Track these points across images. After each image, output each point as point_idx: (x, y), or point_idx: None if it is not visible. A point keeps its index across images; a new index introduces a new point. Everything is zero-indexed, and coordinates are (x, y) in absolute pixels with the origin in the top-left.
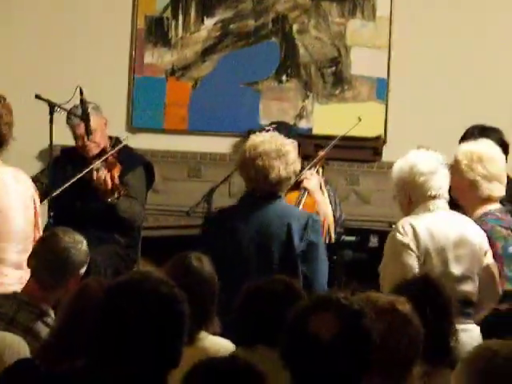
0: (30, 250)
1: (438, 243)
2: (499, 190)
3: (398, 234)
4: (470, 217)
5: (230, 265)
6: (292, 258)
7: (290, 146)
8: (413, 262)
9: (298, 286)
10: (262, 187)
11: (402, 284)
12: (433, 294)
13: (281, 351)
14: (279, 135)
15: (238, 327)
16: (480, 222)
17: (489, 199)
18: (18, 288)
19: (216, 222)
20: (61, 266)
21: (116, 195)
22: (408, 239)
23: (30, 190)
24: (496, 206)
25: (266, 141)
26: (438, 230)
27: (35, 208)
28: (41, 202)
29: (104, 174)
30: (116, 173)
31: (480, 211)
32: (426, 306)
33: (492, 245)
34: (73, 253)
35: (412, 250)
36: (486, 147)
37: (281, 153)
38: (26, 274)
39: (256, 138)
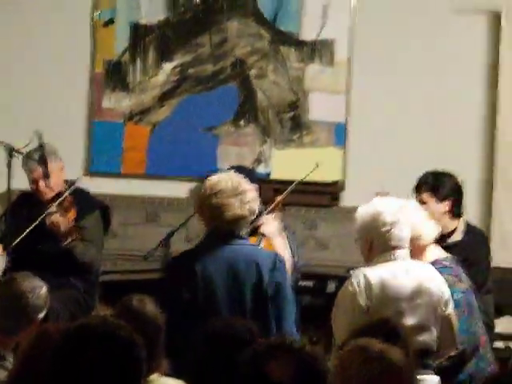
0: None
1: (391, 294)
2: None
3: (349, 285)
4: None
5: (202, 308)
6: (262, 299)
7: (248, 185)
8: (360, 316)
9: (257, 329)
10: (219, 226)
11: (362, 329)
12: (393, 340)
13: None
14: (238, 175)
15: (197, 370)
16: None
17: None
18: None
19: (181, 264)
20: (19, 310)
21: (70, 239)
22: (359, 291)
23: None
24: (441, 252)
25: (223, 179)
26: (393, 280)
27: None
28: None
29: (57, 217)
30: (71, 216)
31: (426, 259)
32: None
33: None
34: (31, 298)
35: (360, 304)
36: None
37: (237, 191)
38: None
39: (214, 178)
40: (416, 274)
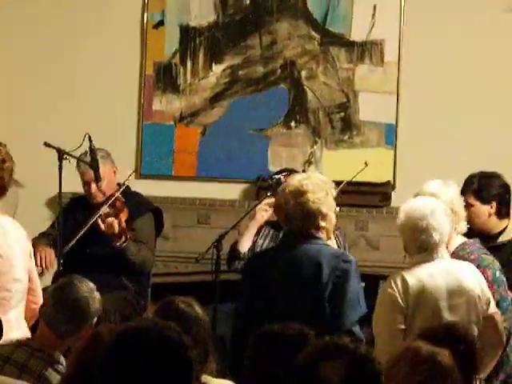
0: (24, 301)
1: (429, 295)
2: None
3: (388, 287)
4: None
5: (262, 305)
6: (321, 299)
7: (326, 184)
8: (399, 316)
9: (310, 332)
10: (300, 224)
11: (428, 331)
12: (459, 344)
13: None
14: (316, 174)
15: (251, 374)
16: (464, 252)
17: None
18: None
19: (251, 262)
20: (79, 315)
21: (123, 239)
22: (397, 293)
23: (28, 244)
24: (461, 237)
25: (303, 179)
26: (431, 281)
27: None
28: (55, 254)
29: (110, 218)
30: (123, 217)
31: (454, 242)
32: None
33: (482, 272)
34: (90, 302)
35: (399, 305)
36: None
37: (318, 189)
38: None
39: (294, 177)
40: (455, 273)
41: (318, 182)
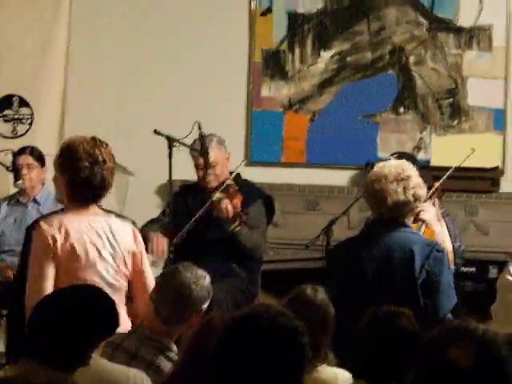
0: (123, 302)
1: None
2: None
3: (507, 274)
4: None
5: (353, 292)
6: (413, 287)
7: (413, 171)
8: None
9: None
10: (381, 212)
11: None
12: None
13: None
14: (405, 162)
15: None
16: None
17: None
18: None
19: (340, 250)
20: (183, 302)
21: (237, 223)
22: None
23: (128, 237)
24: None
25: (387, 166)
26: None
27: (137, 255)
28: (171, 241)
29: (225, 202)
30: (237, 202)
31: None
32: None
33: None
34: (195, 289)
35: None
36: None
37: (400, 177)
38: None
39: (380, 164)
40: None
41: (404, 168)
